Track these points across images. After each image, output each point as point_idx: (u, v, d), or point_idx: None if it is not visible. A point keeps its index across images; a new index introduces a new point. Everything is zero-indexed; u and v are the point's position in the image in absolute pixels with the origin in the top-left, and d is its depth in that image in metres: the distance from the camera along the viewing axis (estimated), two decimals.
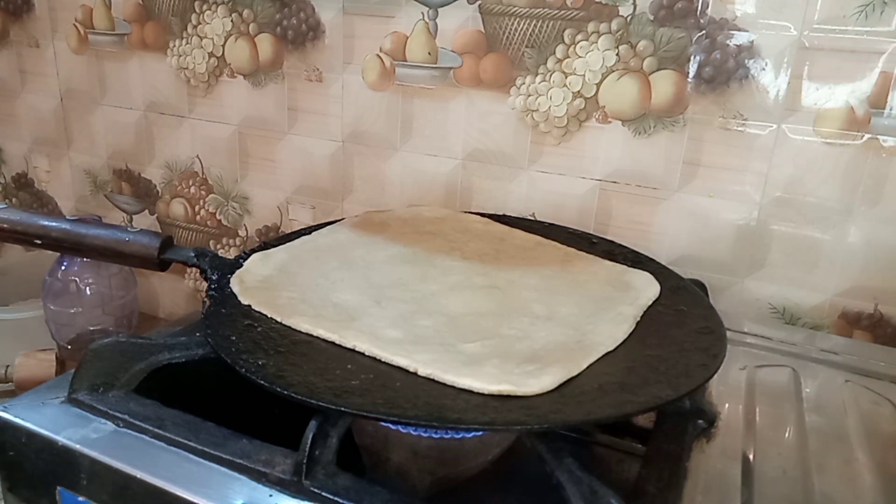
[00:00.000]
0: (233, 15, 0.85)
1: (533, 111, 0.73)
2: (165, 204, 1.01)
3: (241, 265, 0.50)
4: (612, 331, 0.44)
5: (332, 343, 0.42)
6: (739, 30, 0.63)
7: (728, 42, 0.63)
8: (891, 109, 0.60)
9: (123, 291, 0.77)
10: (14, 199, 1.16)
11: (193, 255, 0.49)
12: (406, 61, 0.77)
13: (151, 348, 0.45)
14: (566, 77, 0.70)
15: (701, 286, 0.55)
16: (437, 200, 0.80)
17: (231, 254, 0.97)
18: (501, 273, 0.52)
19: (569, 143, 0.72)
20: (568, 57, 0.70)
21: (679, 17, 0.65)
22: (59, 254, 0.71)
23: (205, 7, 0.87)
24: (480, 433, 0.41)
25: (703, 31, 0.64)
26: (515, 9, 0.71)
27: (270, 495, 0.36)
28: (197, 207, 0.98)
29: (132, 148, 1.00)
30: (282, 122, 0.87)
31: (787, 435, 0.45)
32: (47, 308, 0.69)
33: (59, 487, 0.40)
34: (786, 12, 0.61)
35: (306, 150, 0.87)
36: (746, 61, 0.63)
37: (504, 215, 0.65)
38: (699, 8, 0.64)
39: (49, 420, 0.41)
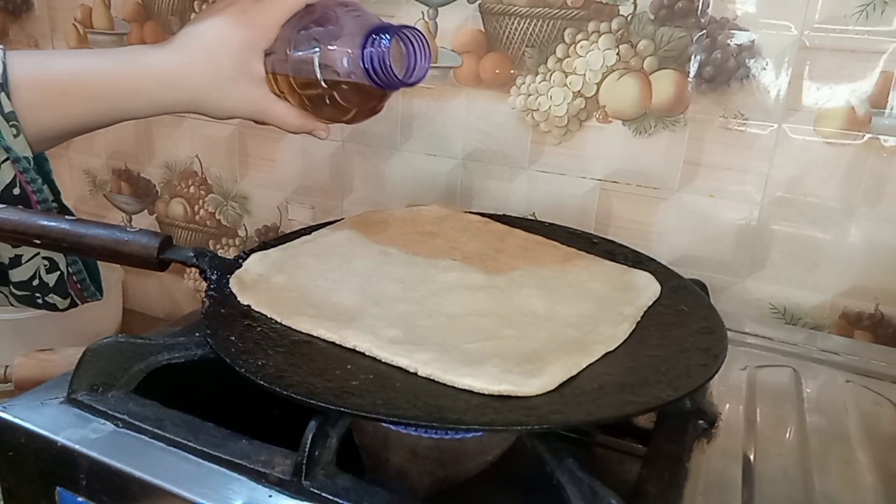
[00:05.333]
0: None
1: (533, 111, 0.73)
2: (165, 204, 1.01)
3: (241, 265, 0.50)
4: (612, 331, 0.44)
5: (332, 343, 0.42)
6: (740, 29, 0.63)
7: (729, 41, 0.63)
8: (891, 109, 0.60)
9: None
10: None
11: (193, 254, 0.49)
12: None
13: (151, 348, 0.45)
14: (566, 76, 0.70)
15: (702, 286, 0.55)
16: (437, 200, 0.79)
17: (230, 254, 0.97)
18: (501, 273, 0.52)
19: (569, 142, 0.72)
20: (568, 56, 0.70)
21: (680, 16, 0.64)
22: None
23: (204, 6, 0.87)
24: (480, 434, 0.41)
25: (704, 31, 0.64)
26: (516, 8, 0.70)
27: (270, 496, 0.36)
28: (196, 207, 0.98)
29: (131, 148, 1.00)
30: None
31: (787, 435, 0.45)
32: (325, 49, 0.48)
33: (58, 488, 0.40)
34: (786, 12, 0.61)
35: (306, 150, 0.87)
36: (747, 61, 0.63)
37: (504, 215, 0.65)
38: (700, 7, 0.63)
39: (48, 420, 0.41)
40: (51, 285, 0.53)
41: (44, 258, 0.52)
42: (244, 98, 0.51)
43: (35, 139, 0.49)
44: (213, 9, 0.51)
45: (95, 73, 0.49)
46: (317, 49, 0.48)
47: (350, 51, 0.47)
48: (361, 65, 0.46)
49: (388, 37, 0.46)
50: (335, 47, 0.47)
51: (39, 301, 0.54)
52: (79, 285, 0.55)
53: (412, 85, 0.48)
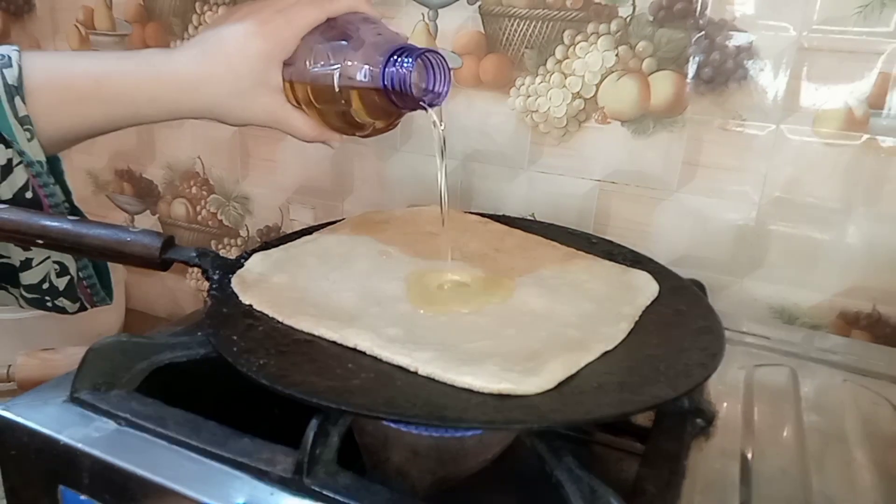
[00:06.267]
0: None
1: (533, 112, 0.73)
2: (167, 204, 1.01)
3: (243, 265, 0.51)
4: (611, 330, 0.44)
5: (334, 342, 0.42)
6: (738, 30, 0.63)
7: (727, 43, 0.64)
8: (889, 110, 0.60)
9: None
10: None
11: (195, 254, 0.49)
12: None
13: (153, 348, 0.45)
14: (566, 78, 0.71)
15: (700, 286, 0.55)
16: (437, 201, 0.80)
17: (232, 254, 0.98)
18: (501, 273, 0.52)
19: (568, 143, 0.73)
20: (567, 58, 0.70)
21: (678, 17, 0.65)
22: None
23: (205, 8, 0.87)
24: (480, 432, 0.41)
25: (703, 32, 0.64)
26: (515, 10, 0.71)
27: (271, 493, 0.36)
28: (198, 207, 0.99)
29: (133, 149, 1.00)
30: None
31: (785, 434, 0.46)
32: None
33: (60, 486, 0.40)
34: (785, 13, 0.61)
35: (307, 151, 0.87)
36: (745, 62, 0.63)
37: (504, 215, 0.65)
38: (698, 9, 0.64)
39: (51, 419, 0.41)
40: (61, 289, 0.53)
41: (55, 262, 0.52)
42: (261, 107, 0.51)
43: (48, 142, 0.49)
44: (234, 15, 0.51)
45: (115, 78, 0.49)
46: (336, 64, 0.47)
47: (370, 68, 0.46)
48: (381, 83, 0.46)
49: (412, 59, 0.45)
50: (355, 63, 0.47)
51: (49, 304, 0.54)
52: (89, 290, 0.55)
53: (430, 108, 0.48)
